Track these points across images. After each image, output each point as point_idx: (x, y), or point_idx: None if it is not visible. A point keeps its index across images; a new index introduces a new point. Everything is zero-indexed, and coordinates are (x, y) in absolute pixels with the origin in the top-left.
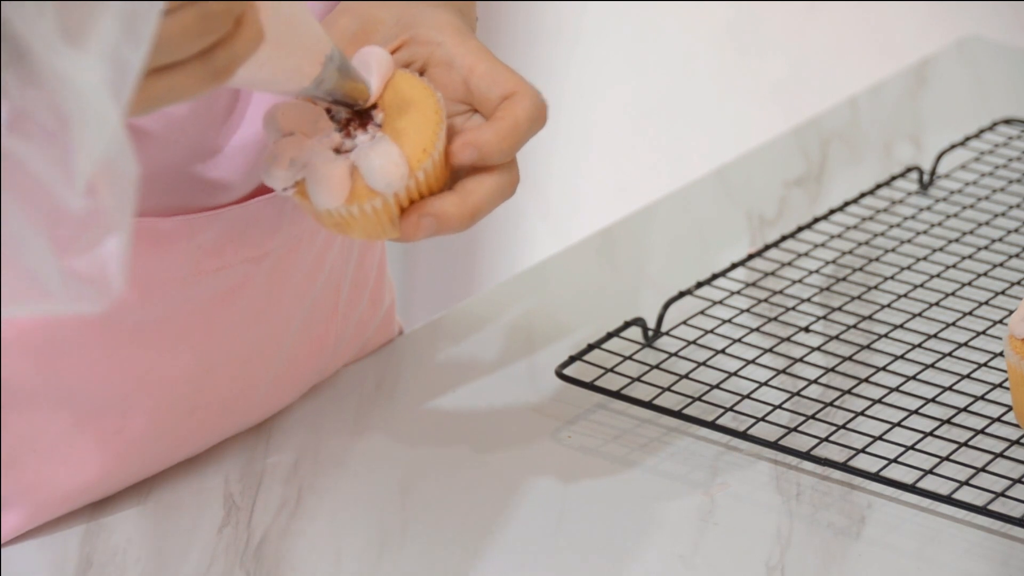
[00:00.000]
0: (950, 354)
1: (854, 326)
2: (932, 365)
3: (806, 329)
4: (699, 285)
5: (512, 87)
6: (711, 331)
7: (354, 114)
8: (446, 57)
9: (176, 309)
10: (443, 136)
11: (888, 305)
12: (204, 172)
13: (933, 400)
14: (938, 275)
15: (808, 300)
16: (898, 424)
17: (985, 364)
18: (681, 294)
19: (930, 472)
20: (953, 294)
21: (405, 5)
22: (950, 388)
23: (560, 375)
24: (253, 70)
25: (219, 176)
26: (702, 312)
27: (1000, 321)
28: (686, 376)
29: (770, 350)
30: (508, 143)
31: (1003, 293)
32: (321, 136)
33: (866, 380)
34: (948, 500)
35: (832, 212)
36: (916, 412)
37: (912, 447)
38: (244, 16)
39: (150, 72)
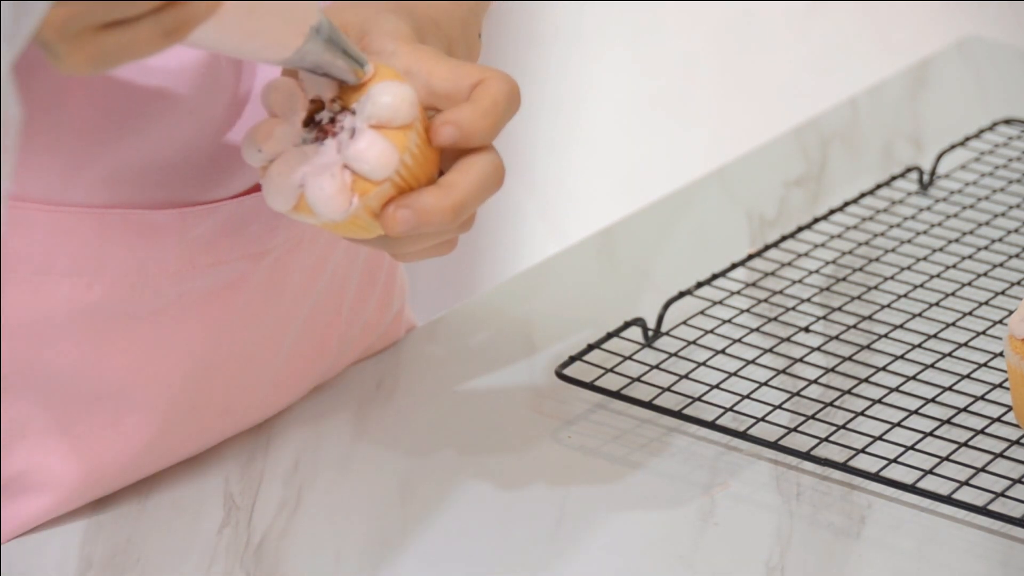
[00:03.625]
0: (950, 354)
1: (854, 326)
2: (932, 365)
3: (806, 329)
4: (699, 285)
5: (480, 75)
6: (711, 331)
7: (331, 111)
8: (402, 66)
9: (169, 304)
10: (420, 117)
11: (888, 305)
12: (200, 166)
13: (933, 400)
14: (938, 275)
15: (808, 300)
16: (898, 424)
17: (985, 364)
18: (681, 294)
19: (930, 472)
20: (953, 294)
21: (369, 11)
22: (950, 388)
23: (560, 375)
24: (220, 34)
25: (215, 170)
26: (702, 312)
27: (1000, 321)
28: (686, 376)
29: (770, 350)
30: (489, 121)
31: (1003, 293)
32: (304, 147)
33: (866, 380)
34: (948, 500)
35: (832, 212)
36: (916, 412)
37: (912, 447)
38: None
39: (101, 27)
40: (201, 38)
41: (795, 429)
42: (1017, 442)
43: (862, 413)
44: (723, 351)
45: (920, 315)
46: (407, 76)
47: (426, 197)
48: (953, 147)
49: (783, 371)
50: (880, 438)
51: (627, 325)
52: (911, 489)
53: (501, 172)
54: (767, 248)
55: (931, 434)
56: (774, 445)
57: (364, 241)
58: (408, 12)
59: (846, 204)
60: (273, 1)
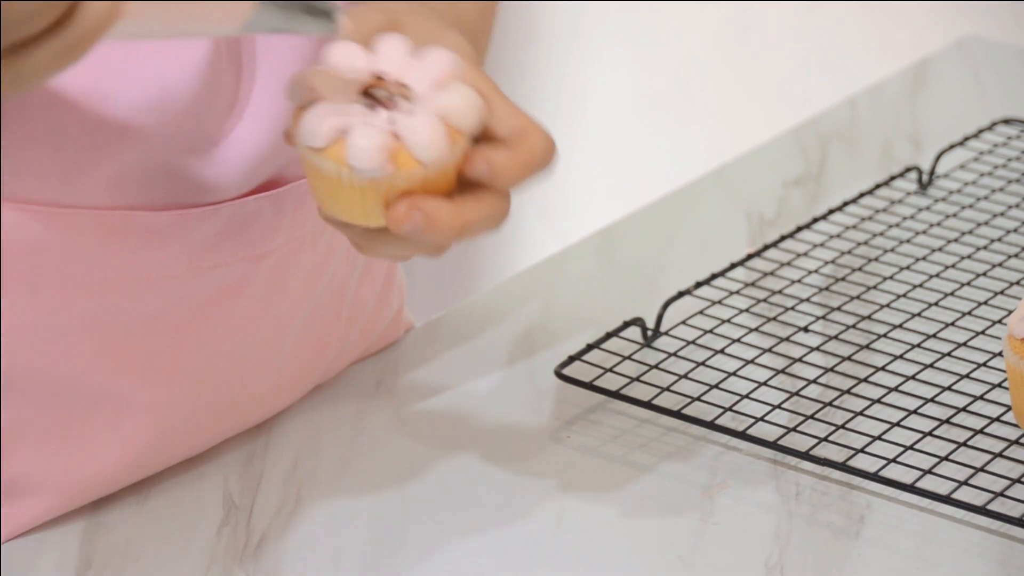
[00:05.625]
0: (949, 354)
1: (853, 326)
2: (931, 365)
3: (805, 329)
4: (698, 285)
5: (525, 123)
6: (710, 331)
7: (390, 92)
8: None
9: (172, 306)
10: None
11: (887, 305)
12: (201, 168)
13: (932, 400)
14: (937, 275)
15: (807, 300)
16: (897, 424)
17: (984, 364)
18: (680, 294)
19: (929, 472)
20: (952, 294)
21: (430, 24)
22: (949, 388)
23: (559, 375)
24: (141, 28)
25: (216, 172)
26: (701, 312)
27: (999, 321)
28: (685, 376)
29: (769, 350)
30: (519, 172)
31: (1002, 293)
32: (355, 104)
33: (865, 380)
34: (947, 500)
35: (831, 212)
36: (915, 412)
37: (911, 447)
38: None
39: (8, 51)
40: (127, 33)
41: (794, 429)
42: (1016, 442)
43: (861, 413)
44: (722, 351)
45: (919, 315)
46: None
47: (442, 209)
48: (952, 147)
49: (782, 371)
50: (879, 438)
51: (626, 325)
52: (910, 489)
53: (506, 216)
54: (766, 248)
55: (930, 434)
56: (773, 445)
57: (343, 227)
58: (455, 21)
59: (845, 204)
60: None
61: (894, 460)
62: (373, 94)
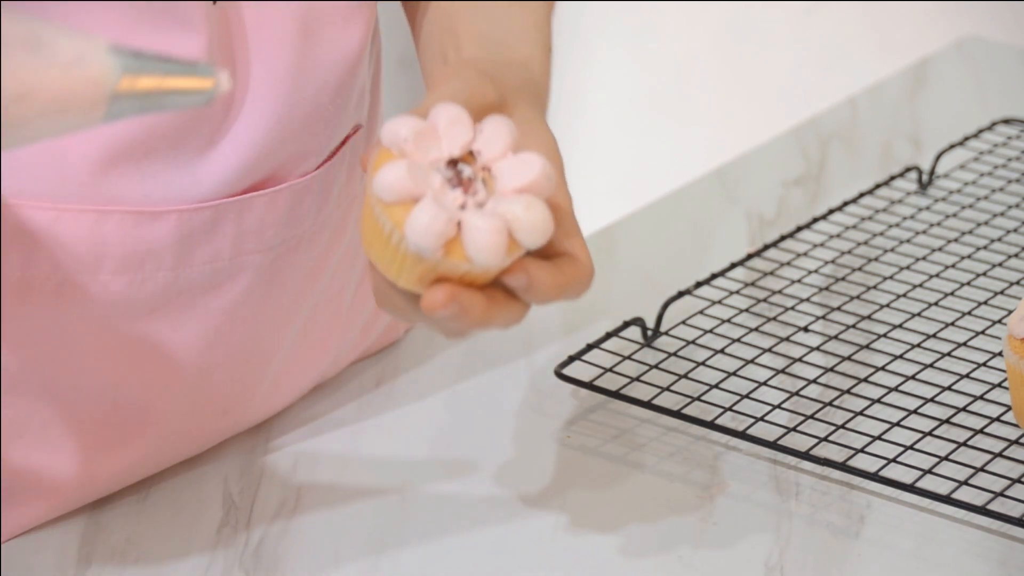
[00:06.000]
0: (949, 354)
1: (853, 326)
2: (931, 365)
3: (805, 329)
4: (698, 285)
5: (578, 249)
6: (710, 331)
7: (474, 173)
8: None
9: (168, 303)
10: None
11: (887, 305)
12: (197, 166)
13: (932, 400)
14: (937, 275)
15: (807, 300)
16: (897, 424)
17: (984, 364)
18: (680, 294)
19: (929, 472)
20: (952, 294)
21: (532, 112)
22: (949, 388)
23: (559, 375)
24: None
25: (212, 171)
26: (701, 312)
27: (999, 321)
28: (685, 376)
29: (769, 350)
30: (553, 294)
31: (1002, 293)
32: (436, 175)
33: (865, 380)
34: (947, 500)
35: (831, 212)
36: (915, 412)
37: (911, 447)
38: None
39: None
40: None
41: (794, 429)
42: (1016, 442)
43: (861, 413)
44: (722, 351)
45: (919, 315)
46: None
47: (476, 305)
48: (952, 147)
49: (782, 371)
50: (879, 438)
51: (626, 325)
52: (910, 489)
53: (519, 321)
54: (766, 248)
55: (930, 434)
56: (773, 445)
57: (374, 271)
58: (541, 103)
59: (845, 204)
60: (18, 113)
61: (894, 460)
62: (459, 168)
